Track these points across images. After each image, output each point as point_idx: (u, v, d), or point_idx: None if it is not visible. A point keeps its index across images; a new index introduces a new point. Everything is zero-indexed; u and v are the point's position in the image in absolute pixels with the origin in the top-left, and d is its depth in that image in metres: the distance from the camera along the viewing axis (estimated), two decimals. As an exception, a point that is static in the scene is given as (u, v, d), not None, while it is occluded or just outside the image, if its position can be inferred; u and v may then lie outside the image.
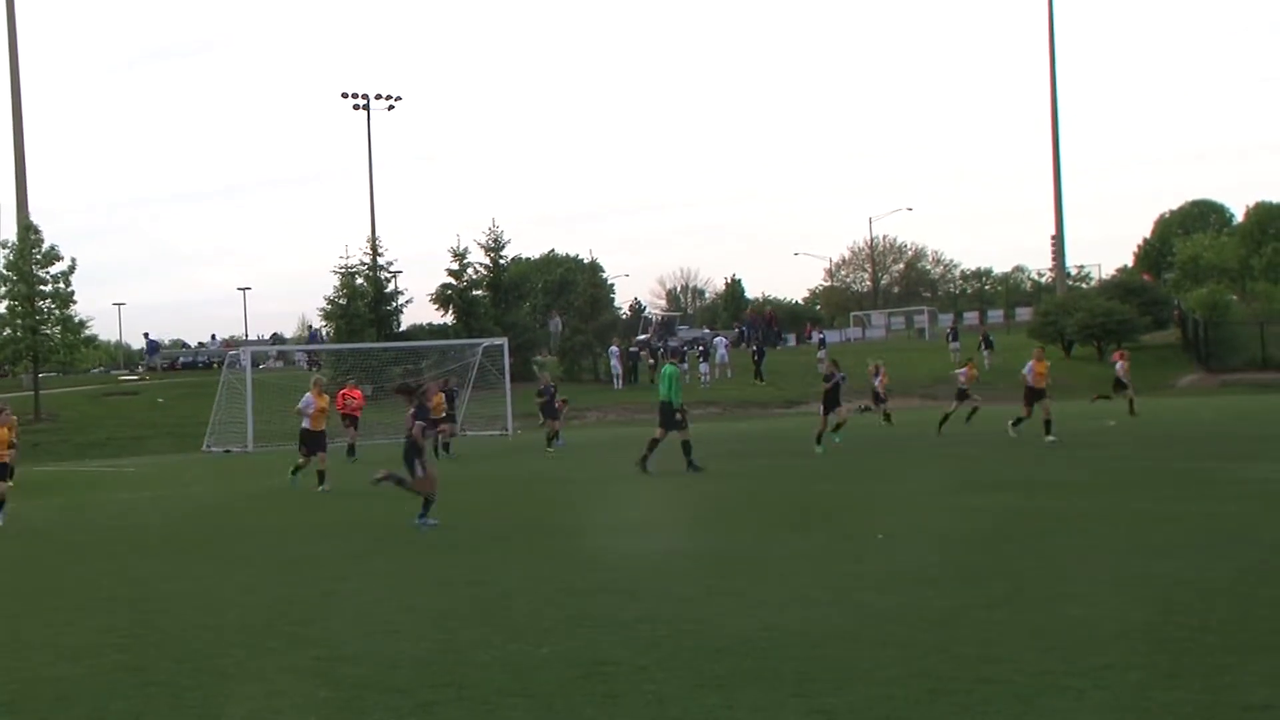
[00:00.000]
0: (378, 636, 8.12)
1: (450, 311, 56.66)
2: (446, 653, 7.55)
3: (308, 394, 20.85)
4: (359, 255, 55.79)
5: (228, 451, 37.48)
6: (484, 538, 13.34)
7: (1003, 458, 21.01)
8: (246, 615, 9.16)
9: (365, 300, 54.77)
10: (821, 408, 24.95)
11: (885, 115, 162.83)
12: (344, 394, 29.64)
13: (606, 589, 9.54)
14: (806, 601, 8.67)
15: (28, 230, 46.20)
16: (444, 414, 28.09)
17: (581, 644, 7.59)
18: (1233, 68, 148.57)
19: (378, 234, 57.82)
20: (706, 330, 72.87)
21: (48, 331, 45.54)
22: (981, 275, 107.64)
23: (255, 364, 43.95)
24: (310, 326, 74.76)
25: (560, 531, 13.65)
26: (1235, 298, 61.14)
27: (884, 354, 58.87)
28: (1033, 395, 24.27)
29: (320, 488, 19.97)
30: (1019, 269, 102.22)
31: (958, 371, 32.41)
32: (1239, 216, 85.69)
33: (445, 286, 56.41)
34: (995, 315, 75.86)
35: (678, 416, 20.65)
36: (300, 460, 21.18)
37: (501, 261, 57.70)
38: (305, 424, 20.71)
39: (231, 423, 39.22)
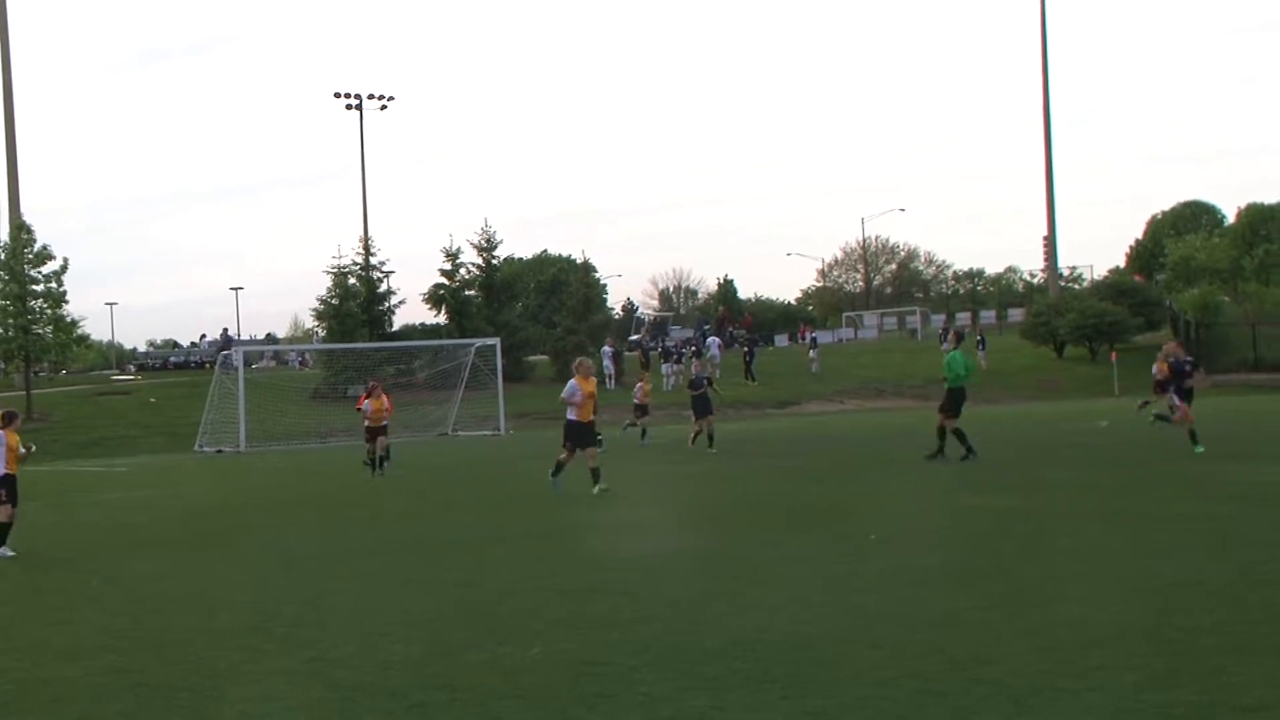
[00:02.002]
0: (371, 638, 8.10)
1: (443, 311, 56.66)
2: (439, 654, 7.53)
3: (572, 380, 17.63)
4: (352, 255, 55.97)
5: (220, 451, 37.47)
6: (477, 539, 13.32)
7: (998, 459, 20.98)
8: (239, 616, 9.14)
9: (358, 300, 54.78)
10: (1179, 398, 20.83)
11: (878, 116, 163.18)
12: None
13: (599, 590, 9.53)
14: (800, 603, 8.65)
15: (20, 230, 46.15)
16: (382, 423, 24.70)
17: (574, 645, 7.57)
18: (1224, 69, 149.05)
19: (370, 234, 57.91)
20: (705, 325, 73.00)
21: (39, 331, 45.49)
22: (974, 276, 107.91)
23: (248, 363, 43.90)
24: (225, 329, 74.56)
25: (554, 532, 13.63)
26: (1227, 299, 61.30)
27: (876, 354, 59.06)
28: None
29: (598, 487, 17.12)
30: (1011, 270, 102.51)
31: None
32: (1230, 218, 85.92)
33: (438, 286, 56.39)
34: (988, 316, 76.02)
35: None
36: (561, 456, 17.96)
37: (494, 261, 57.73)
38: (571, 415, 17.73)
39: (224, 422, 39.24)
